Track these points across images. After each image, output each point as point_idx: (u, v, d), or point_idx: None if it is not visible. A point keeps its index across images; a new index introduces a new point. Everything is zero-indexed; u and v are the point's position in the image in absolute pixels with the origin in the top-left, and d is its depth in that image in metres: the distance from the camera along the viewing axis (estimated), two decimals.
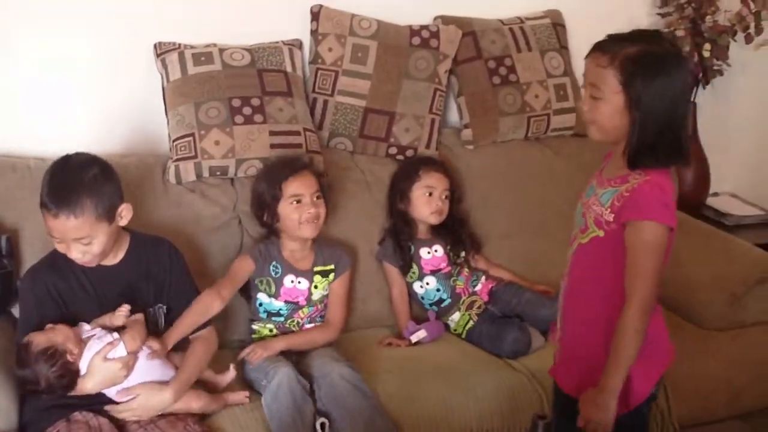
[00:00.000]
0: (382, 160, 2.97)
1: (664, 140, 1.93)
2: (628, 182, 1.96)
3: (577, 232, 2.08)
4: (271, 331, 2.63)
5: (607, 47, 1.96)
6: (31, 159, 2.68)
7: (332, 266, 2.66)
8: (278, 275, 2.61)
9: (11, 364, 2.29)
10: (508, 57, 3.14)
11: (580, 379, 2.08)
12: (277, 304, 2.62)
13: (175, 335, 2.37)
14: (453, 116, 3.19)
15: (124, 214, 2.28)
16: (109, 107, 2.83)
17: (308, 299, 2.64)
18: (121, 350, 2.22)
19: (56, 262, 2.31)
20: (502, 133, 3.12)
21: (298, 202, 2.57)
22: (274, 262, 2.61)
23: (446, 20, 3.12)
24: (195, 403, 2.32)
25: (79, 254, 2.23)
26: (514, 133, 3.14)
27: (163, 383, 2.28)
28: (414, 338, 2.72)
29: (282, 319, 2.63)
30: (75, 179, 2.20)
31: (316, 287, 2.64)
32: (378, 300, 2.83)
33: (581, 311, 2.10)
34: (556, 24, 3.27)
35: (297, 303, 2.63)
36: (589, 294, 2.08)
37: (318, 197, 2.61)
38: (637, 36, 1.98)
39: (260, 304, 2.63)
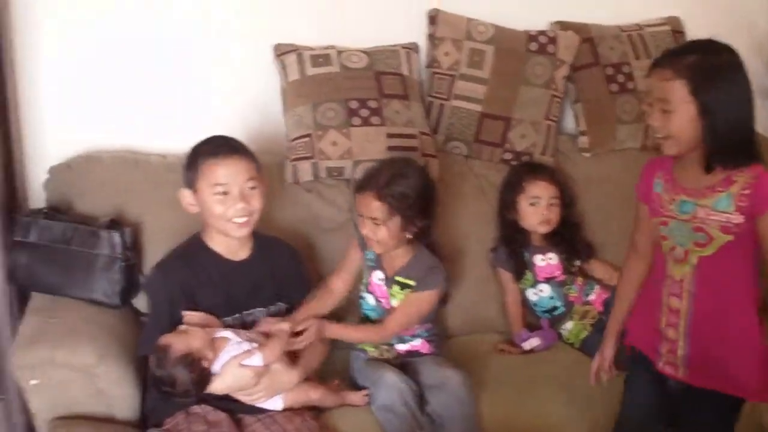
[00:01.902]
0: (497, 165, 2.94)
1: (737, 141, 2.00)
2: (736, 182, 2.01)
3: (688, 248, 2.09)
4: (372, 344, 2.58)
5: (668, 62, 2.03)
6: (152, 155, 2.76)
7: (413, 282, 2.49)
8: (371, 265, 2.56)
9: (134, 353, 2.36)
10: (626, 64, 3.08)
11: (724, 373, 2.13)
12: (370, 301, 2.57)
13: (299, 317, 2.40)
14: (569, 123, 3.13)
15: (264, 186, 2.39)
16: (228, 106, 2.88)
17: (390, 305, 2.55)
18: (257, 360, 2.24)
19: (186, 255, 2.37)
20: (619, 141, 3.06)
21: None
22: (371, 251, 2.55)
23: (563, 26, 3.08)
24: (313, 393, 2.35)
25: (242, 204, 2.28)
26: (632, 141, 3.07)
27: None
28: (527, 346, 2.68)
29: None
30: (230, 138, 2.39)
31: (393, 296, 2.53)
32: (491, 305, 2.80)
33: (722, 316, 2.11)
34: (676, 31, 3.19)
35: (382, 304, 2.55)
36: (728, 297, 2.10)
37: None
38: (694, 46, 2.09)
39: (362, 298, 2.60)
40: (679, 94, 1.98)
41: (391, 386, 2.33)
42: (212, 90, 2.88)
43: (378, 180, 2.42)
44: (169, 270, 2.35)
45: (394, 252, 2.50)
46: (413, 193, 2.41)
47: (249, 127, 2.84)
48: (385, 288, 2.53)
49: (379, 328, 2.50)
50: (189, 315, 2.29)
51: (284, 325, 2.33)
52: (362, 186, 2.45)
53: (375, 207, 2.39)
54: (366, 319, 2.59)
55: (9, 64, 2.71)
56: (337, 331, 2.49)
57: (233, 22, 2.86)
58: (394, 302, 2.52)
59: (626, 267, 2.35)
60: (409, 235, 2.45)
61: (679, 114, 1.99)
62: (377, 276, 2.55)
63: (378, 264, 2.54)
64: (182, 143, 2.55)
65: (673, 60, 2.02)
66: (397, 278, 2.51)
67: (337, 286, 2.54)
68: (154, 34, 2.82)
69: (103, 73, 2.81)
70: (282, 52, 2.83)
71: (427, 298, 2.49)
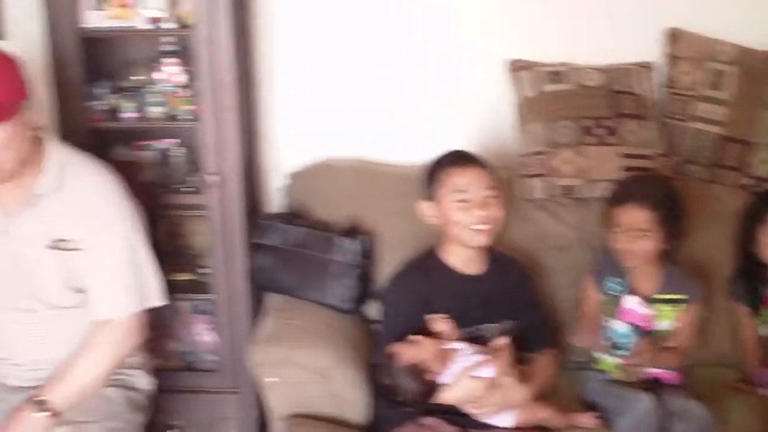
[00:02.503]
0: (736, 191, 2.80)
1: None
2: None
3: None
4: (616, 366, 2.51)
5: None
6: (387, 165, 2.82)
7: (684, 295, 2.48)
8: (621, 292, 2.48)
9: (367, 358, 2.41)
10: None
11: None
12: (621, 328, 2.48)
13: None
14: None
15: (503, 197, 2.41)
16: (461, 119, 2.91)
17: (654, 327, 2.49)
18: (490, 371, 2.23)
19: (423, 267, 2.40)
20: None
21: None
22: (613, 277, 2.50)
23: None
24: (541, 412, 2.31)
25: (482, 211, 2.31)
26: None
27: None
28: (764, 392, 2.52)
29: (626, 353, 2.48)
30: (469, 151, 2.44)
31: (660, 316, 2.47)
32: (727, 338, 2.66)
33: None
34: None
35: (641, 327, 2.46)
36: None
37: None
38: None
39: (607, 326, 2.52)
40: None
41: (645, 408, 2.27)
42: (445, 103, 2.92)
43: (640, 191, 2.44)
44: (408, 281, 2.38)
45: (644, 272, 2.47)
46: (672, 204, 2.44)
47: (481, 140, 2.85)
48: (643, 310, 2.47)
49: (676, 351, 2.47)
50: (433, 319, 2.31)
51: (502, 339, 2.32)
52: (623, 198, 2.45)
53: (641, 217, 2.40)
54: (616, 347, 2.50)
55: (253, 73, 2.84)
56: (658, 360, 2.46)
57: (468, 35, 2.88)
58: (661, 322, 2.47)
59: None
60: (667, 247, 2.44)
61: None
62: (631, 301, 2.48)
63: (629, 289, 2.48)
64: (415, 155, 2.61)
65: None
66: (660, 296, 2.47)
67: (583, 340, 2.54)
68: (390, 47, 2.89)
69: (340, 85, 2.91)
70: (517, 67, 2.82)
71: (700, 308, 2.51)
